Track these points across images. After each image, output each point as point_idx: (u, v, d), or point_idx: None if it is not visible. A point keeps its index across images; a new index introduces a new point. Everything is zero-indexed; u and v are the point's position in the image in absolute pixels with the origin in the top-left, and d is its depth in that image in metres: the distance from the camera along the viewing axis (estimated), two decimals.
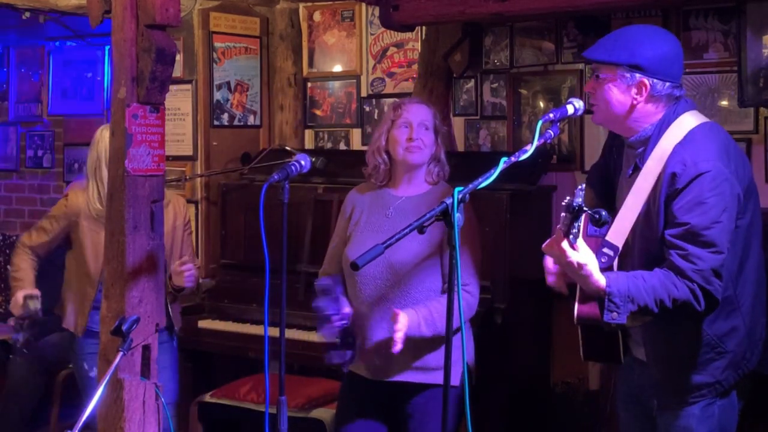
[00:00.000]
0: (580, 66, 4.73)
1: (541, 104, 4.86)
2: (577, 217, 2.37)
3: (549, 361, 4.74)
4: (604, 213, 2.33)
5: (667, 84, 2.65)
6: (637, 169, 2.68)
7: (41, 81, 6.50)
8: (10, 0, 5.25)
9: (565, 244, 2.45)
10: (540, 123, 2.60)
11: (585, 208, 2.35)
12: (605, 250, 2.60)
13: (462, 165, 4.34)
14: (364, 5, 5.36)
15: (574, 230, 2.41)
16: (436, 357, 3.12)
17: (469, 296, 3.16)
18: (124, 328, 2.73)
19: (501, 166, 2.52)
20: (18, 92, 6.68)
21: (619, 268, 2.66)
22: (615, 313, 2.47)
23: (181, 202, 4.13)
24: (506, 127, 4.98)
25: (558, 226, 2.47)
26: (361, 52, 5.48)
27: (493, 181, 2.51)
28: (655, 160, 2.61)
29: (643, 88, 2.64)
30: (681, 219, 2.52)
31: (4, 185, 6.76)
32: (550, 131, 2.65)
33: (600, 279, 2.50)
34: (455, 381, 2.87)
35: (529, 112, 4.90)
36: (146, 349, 3.05)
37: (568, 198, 2.37)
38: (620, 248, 2.61)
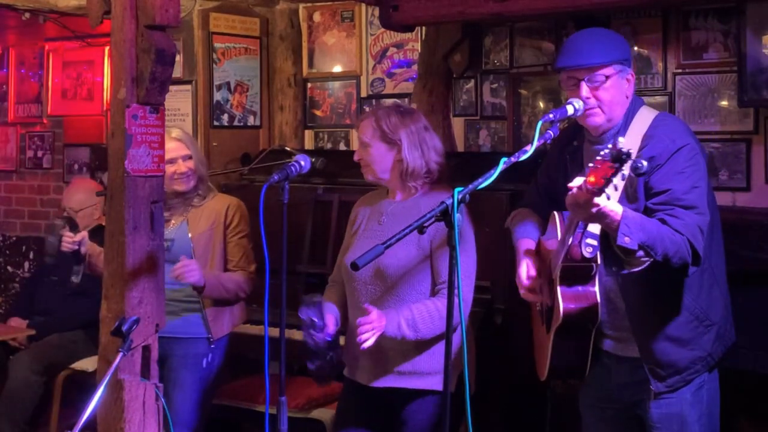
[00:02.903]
0: None
1: (541, 104, 4.86)
2: (623, 166, 2.28)
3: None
4: (646, 163, 2.30)
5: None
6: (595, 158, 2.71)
7: (41, 81, 6.50)
8: (10, 0, 5.25)
9: (602, 200, 2.40)
10: (540, 123, 2.61)
11: (632, 157, 2.28)
12: (588, 240, 2.61)
13: (462, 165, 4.34)
14: (363, 6, 5.36)
15: (616, 180, 2.32)
16: (429, 362, 3.10)
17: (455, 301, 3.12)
18: (124, 328, 2.73)
19: (501, 166, 2.52)
20: (18, 92, 6.69)
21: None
22: (627, 238, 2.47)
23: (226, 203, 3.95)
24: (506, 128, 4.98)
25: (585, 179, 2.39)
26: (361, 52, 5.48)
27: (493, 181, 2.51)
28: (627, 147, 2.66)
29: (631, 79, 2.79)
30: (662, 187, 2.62)
31: (3, 186, 6.76)
32: (549, 131, 2.66)
33: (617, 208, 2.49)
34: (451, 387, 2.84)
35: (529, 112, 4.90)
36: (146, 349, 3.05)
37: (608, 147, 2.28)
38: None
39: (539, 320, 3.01)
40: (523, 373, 4.47)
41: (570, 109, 2.73)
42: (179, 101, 5.36)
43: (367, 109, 5.42)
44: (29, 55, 6.60)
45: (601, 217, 2.47)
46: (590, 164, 2.35)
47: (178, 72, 4.66)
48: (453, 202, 2.42)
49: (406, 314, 3.03)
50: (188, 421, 3.85)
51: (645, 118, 2.76)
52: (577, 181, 2.42)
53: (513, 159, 2.59)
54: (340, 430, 3.32)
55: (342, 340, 3.27)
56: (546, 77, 4.85)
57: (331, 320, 3.13)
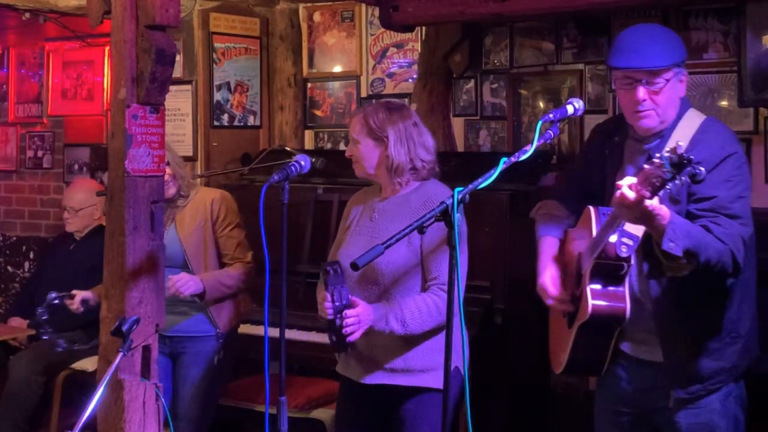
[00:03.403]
0: (580, 66, 4.74)
1: (541, 104, 4.86)
2: (682, 172, 2.24)
3: (549, 361, 4.73)
4: (704, 170, 2.25)
5: None
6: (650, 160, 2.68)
7: (41, 81, 6.50)
8: (10, 0, 5.25)
9: (652, 203, 2.38)
10: (540, 123, 2.60)
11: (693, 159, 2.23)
12: (624, 239, 2.57)
13: (462, 165, 4.35)
14: (364, 6, 5.36)
15: (672, 184, 2.27)
16: (422, 359, 3.09)
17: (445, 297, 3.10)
18: (124, 328, 2.73)
19: (501, 166, 2.51)
20: (18, 93, 6.68)
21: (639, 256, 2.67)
22: (673, 243, 2.45)
23: (210, 197, 3.97)
24: (506, 128, 4.98)
25: (639, 180, 2.35)
26: (361, 52, 5.48)
27: (493, 181, 2.50)
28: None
29: (685, 80, 2.74)
30: (708, 193, 2.57)
31: (4, 186, 6.76)
32: (550, 131, 2.64)
33: (665, 212, 2.46)
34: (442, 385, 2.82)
35: (529, 112, 4.90)
36: (146, 349, 3.04)
37: (667, 150, 2.24)
38: (640, 237, 2.59)
39: (560, 313, 2.96)
40: (522, 372, 4.48)
41: (570, 109, 2.71)
42: (179, 101, 5.36)
43: None
44: (29, 55, 6.59)
45: (648, 220, 2.44)
46: (645, 165, 2.32)
47: (178, 72, 4.66)
48: (453, 202, 2.42)
49: (394, 308, 3.03)
50: (197, 417, 3.91)
51: (692, 121, 2.72)
52: (627, 181, 2.39)
53: (513, 159, 2.59)
54: (339, 430, 3.32)
55: None
56: (546, 77, 4.85)
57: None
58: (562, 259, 2.93)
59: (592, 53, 4.71)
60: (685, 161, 2.21)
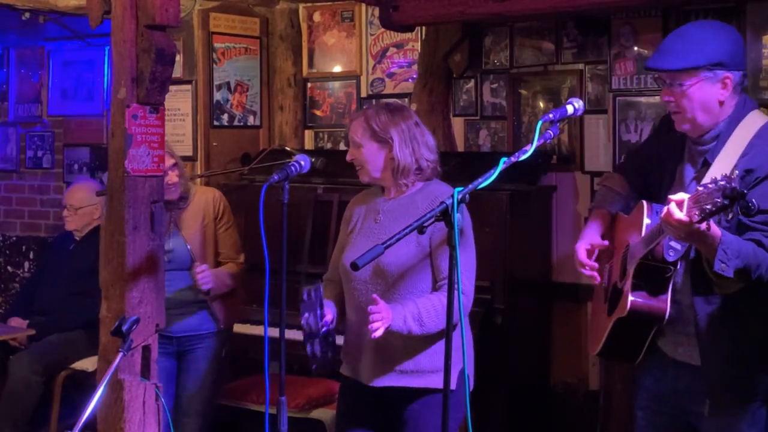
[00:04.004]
0: (580, 66, 4.73)
1: (541, 104, 4.86)
2: (734, 203, 2.21)
3: (549, 361, 4.74)
4: (756, 202, 2.22)
5: (741, 73, 2.69)
6: (706, 164, 2.67)
7: (41, 81, 6.50)
8: (10, 0, 5.25)
9: (704, 227, 2.34)
10: (540, 123, 2.59)
11: (747, 195, 2.20)
12: (672, 243, 2.55)
13: (462, 165, 4.35)
14: (363, 6, 5.36)
15: (723, 215, 2.26)
16: (431, 360, 3.09)
17: (462, 296, 3.12)
18: (124, 328, 2.74)
19: (501, 166, 2.51)
20: (18, 93, 6.68)
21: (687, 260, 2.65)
22: (724, 264, 2.42)
23: (210, 196, 4.03)
24: (506, 128, 4.98)
25: (689, 203, 2.32)
26: (361, 52, 5.48)
27: (493, 181, 2.50)
28: (728, 155, 2.61)
29: (728, 82, 2.65)
30: (763, 206, 2.47)
31: (4, 186, 6.76)
32: (550, 131, 2.64)
33: (716, 232, 2.43)
34: (452, 385, 2.83)
35: (529, 112, 4.90)
36: (146, 349, 3.05)
37: (722, 177, 2.21)
38: (688, 243, 2.56)
39: (601, 296, 2.95)
40: (522, 372, 4.49)
41: (570, 109, 2.70)
42: (179, 101, 5.36)
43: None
44: (29, 55, 6.60)
45: (697, 239, 2.42)
46: (699, 187, 2.30)
47: (178, 72, 4.66)
48: (453, 202, 2.42)
49: (411, 308, 3.02)
50: (204, 411, 3.99)
51: (752, 124, 2.65)
52: (679, 197, 2.36)
53: (513, 159, 2.58)
54: (340, 431, 3.32)
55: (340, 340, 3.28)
56: (546, 77, 4.85)
57: (329, 315, 3.15)
58: (611, 237, 2.91)
59: (592, 53, 4.70)
60: (738, 194, 2.17)
